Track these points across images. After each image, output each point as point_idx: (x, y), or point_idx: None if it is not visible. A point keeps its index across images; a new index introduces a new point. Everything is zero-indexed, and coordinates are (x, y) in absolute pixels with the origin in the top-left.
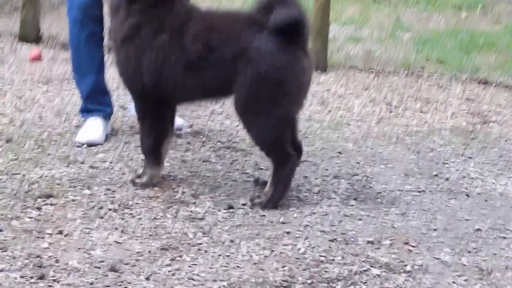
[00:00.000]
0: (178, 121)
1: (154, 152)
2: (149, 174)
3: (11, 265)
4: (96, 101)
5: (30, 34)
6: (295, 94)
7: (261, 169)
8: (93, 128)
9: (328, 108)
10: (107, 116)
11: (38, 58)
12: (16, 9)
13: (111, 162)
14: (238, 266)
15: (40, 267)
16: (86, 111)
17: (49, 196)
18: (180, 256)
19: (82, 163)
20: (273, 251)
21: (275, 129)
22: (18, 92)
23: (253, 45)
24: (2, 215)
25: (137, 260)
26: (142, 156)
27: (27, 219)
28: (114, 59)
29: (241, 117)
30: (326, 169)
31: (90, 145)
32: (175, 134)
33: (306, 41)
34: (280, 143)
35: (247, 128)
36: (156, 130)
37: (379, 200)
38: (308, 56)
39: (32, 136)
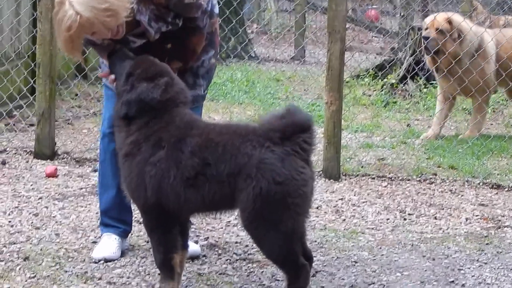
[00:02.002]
0: (193, 247)
1: (166, 266)
2: None
3: None
4: (114, 217)
5: (45, 151)
6: (299, 207)
7: (278, 280)
8: (108, 244)
9: (342, 217)
10: (124, 233)
11: (53, 174)
12: (31, 126)
13: (128, 278)
14: None
15: None
16: (103, 225)
17: None
18: None
19: (100, 279)
20: None
21: (284, 243)
22: (34, 210)
23: (252, 160)
24: None
25: None
26: (159, 271)
27: None
28: (121, 175)
29: (248, 233)
30: (342, 279)
31: (106, 261)
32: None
33: (310, 151)
34: (291, 255)
35: (256, 243)
36: (165, 244)
37: None
38: (310, 165)
39: (49, 253)
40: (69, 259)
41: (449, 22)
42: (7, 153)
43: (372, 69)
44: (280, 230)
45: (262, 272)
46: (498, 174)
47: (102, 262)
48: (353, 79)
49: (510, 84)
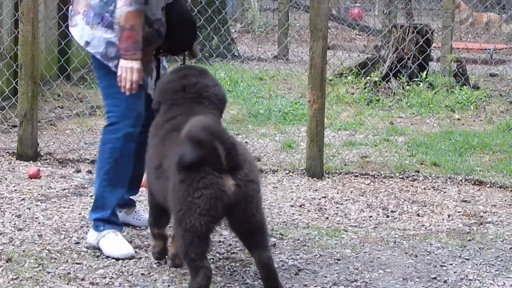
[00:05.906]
0: None
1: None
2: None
3: None
4: (116, 214)
5: (28, 152)
6: None
7: (260, 278)
8: (122, 241)
9: (325, 215)
10: (121, 228)
11: (36, 175)
12: (13, 127)
13: (111, 278)
14: None
15: None
16: (108, 222)
17: None
18: None
19: (83, 279)
20: None
21: None
22: (17, 211)
23: None
24: None
25: None
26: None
27: None
28: None
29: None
30: (325, 277)
31: (132, 257)
32: None
33: None
34: None
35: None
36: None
37: None
38: None
39: (32, 254)
40: (52, 260)
41: None
42: None
43: (355, 67)
44: None
45: (245, 271)
46: (480, 171)
47: (126, 260)
48: (336, 77)
49: None
